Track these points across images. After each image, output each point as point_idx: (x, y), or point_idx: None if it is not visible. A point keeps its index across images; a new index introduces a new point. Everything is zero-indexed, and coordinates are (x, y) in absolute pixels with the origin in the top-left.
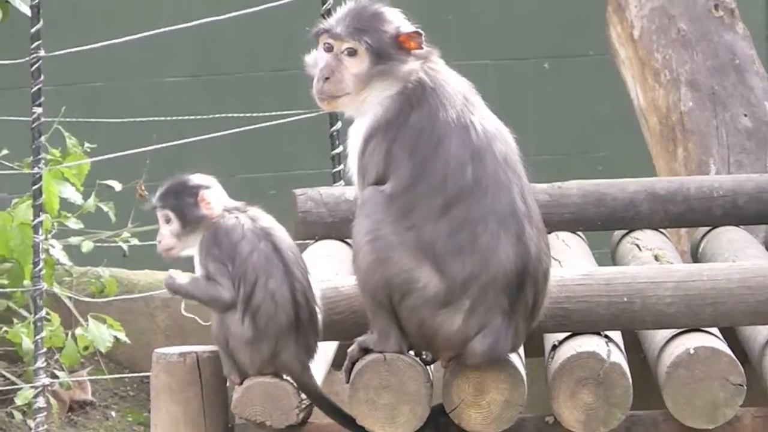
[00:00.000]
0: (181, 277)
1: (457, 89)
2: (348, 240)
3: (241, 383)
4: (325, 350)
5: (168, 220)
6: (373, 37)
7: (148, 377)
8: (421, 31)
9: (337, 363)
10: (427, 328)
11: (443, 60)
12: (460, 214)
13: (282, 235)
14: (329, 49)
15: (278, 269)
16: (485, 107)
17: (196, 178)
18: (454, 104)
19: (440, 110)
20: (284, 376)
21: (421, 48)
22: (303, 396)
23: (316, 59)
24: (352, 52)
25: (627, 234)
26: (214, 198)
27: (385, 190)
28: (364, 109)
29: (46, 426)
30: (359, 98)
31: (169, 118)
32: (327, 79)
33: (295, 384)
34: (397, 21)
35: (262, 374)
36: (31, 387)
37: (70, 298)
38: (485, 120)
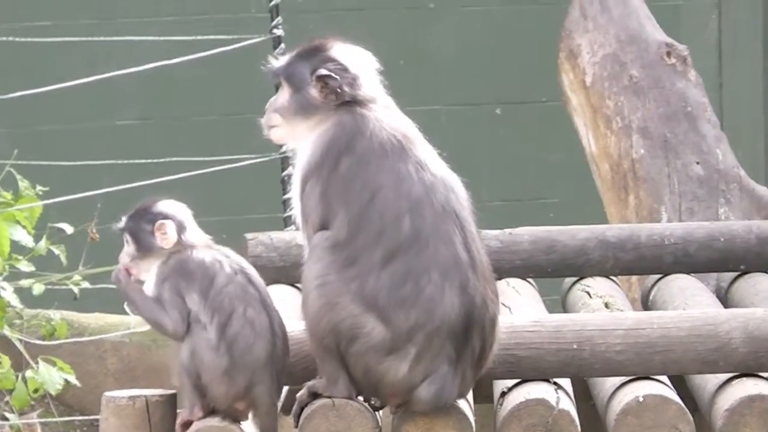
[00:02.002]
0: (132, 282)
1: (392, 135)
2: (298, 285)
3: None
4: None
5: (126, 242)
6: (292, 70)
7: (97, 420)
8: (335, 75)
9: (286, 407)
10: (373, 375)
11: (390, 104)
12: (402, 267)
13: (254, 272)
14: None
15: (255, 299)
16: (428, 152)
17: (160, 206)
18: (386, 152)
19: (372, 159)
20: (248, 415)
21: (337, 91)
22: None
23: None
24: (281, 85)
25: (578, 281)
26: (171, 231)
27: (329, 238)
28: (298, 147)
29: None
30: (288, 133)
31: (120, 162)
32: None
33: (257, 423)
34: (324, 61)
35: (231, 408)
36: None
37: (20, 340)
38: (425, 167)
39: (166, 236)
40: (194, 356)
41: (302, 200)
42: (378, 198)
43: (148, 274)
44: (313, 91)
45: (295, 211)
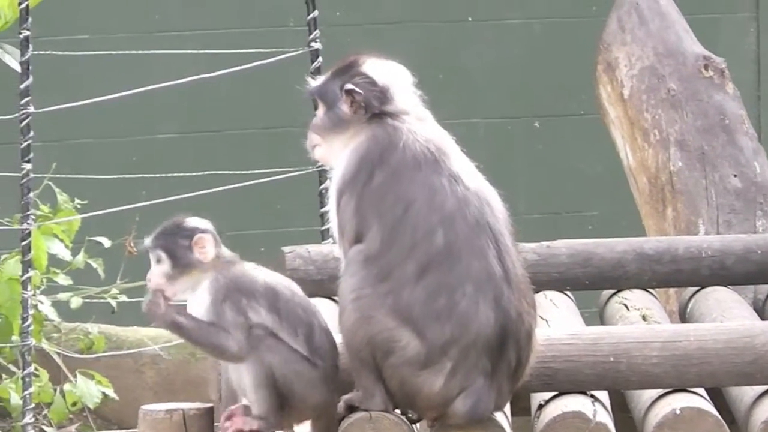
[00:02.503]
0: (177, 311)
1: (425, 147)
2: (336, 298)
3: None
4: None
5: (159, 260)
6: (325, 88)
7: None
8: (359, 90)
9: None
10: (409, 388)
11: (425, 116)
12: (436, 281)
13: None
14: None
15: (319, 311)
16: (463, 164)
17: (192, 221)
18: (420, 165)
19: (405, 172)
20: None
21: (365, 105)
22: None
23: None
24: (317, 103)
25: (615, 294)
26: (209, 245)
27: (362, 251)
28: (334, 163)
29: None
30: (327, 151)
31: (158, 175)
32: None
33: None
34: (353, 76)
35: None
36: None
37: (58, 353)
38: (458, 180)
39: (204, 250)
40: (288, 364)
41: (338, 214)
42: (411, 211)
43: (185, 294)
44: (344, 106)
45: (332, 224)
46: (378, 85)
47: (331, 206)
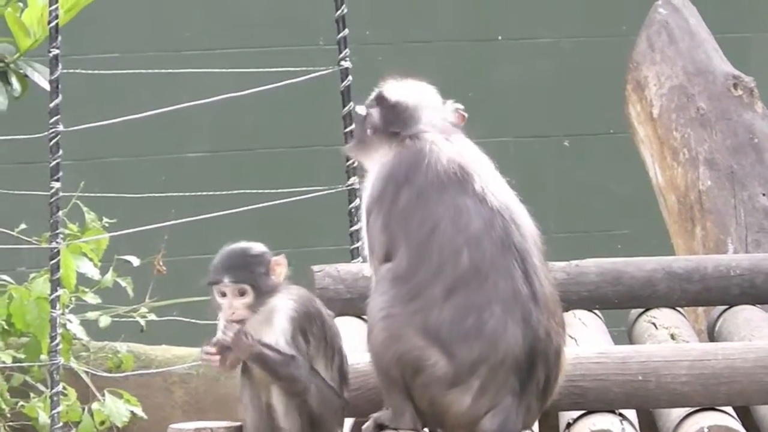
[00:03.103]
0: (261, 342)
1: (451, 167)
2: (366, 317)
3: None
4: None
5: (243, 293)
6: (355, 113)
7: None
8: (362, 113)
9: None
10: (438, 407)
11: (453, 133)
12: (464, 301)
13: None
14: None
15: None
16: (490, 183)
17: (254, 246)
18: (444, 185)
19: (431, 192)
20: None
21: (380, 126)
22: None
23: None
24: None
25: (644, 312)
26: (284, 264)
27: (390, 270)
28: (366, 179)
29: None
30: (365, 164)
31: (187, 194)
32: None
33: None
34: (373, 98)
35: None
36: None
37: (87, 372)
38: (484, 200)
39: (279, 271)
40: (322, 391)
41: (367, 231)
42: (437, 232)
43: (260, 320)
44: (366, 128)
45: (363, 242)
46: (395, 106)
47: (362, 224)
